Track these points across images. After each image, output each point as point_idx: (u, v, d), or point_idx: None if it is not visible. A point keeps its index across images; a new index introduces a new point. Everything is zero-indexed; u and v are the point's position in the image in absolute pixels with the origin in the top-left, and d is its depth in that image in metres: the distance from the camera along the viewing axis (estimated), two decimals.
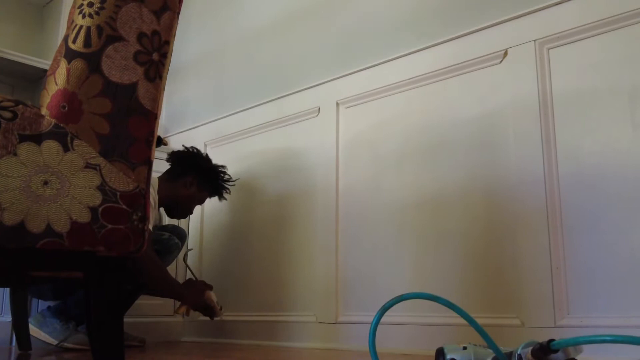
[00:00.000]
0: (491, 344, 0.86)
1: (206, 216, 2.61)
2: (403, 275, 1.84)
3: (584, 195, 1.52)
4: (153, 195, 1.93)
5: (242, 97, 2.58)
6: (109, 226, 0.89)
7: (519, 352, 0.81)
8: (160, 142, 2.56)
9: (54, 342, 1.91)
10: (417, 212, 1.85)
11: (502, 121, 1.71)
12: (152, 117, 0.96)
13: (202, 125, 2.73)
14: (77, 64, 0.91)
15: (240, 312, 2.33)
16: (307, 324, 2.07)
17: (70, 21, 0.95)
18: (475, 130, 1.76)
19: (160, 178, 2.10)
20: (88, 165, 0.89)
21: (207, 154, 2.28)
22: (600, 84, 1.54)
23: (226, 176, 2.27)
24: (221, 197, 2.28)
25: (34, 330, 1.93)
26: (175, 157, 2.20)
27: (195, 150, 2.23)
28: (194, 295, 2.02)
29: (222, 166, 2.27)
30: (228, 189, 2.28)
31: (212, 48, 2.86)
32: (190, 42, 2.95)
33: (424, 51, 1.92)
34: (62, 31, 2.89)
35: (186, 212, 2.22)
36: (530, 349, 0.80)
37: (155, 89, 0.96)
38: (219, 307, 2.07)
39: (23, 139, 0.87)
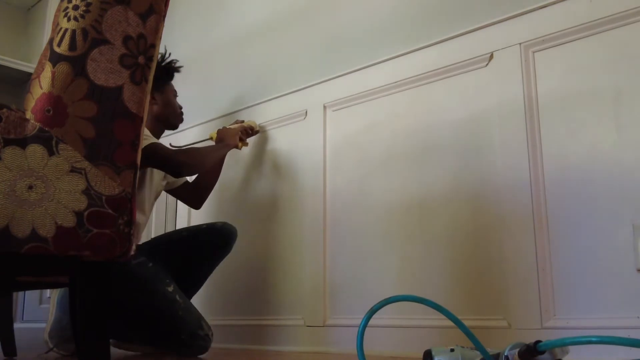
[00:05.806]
0: (478, 346, 0.86)
1: (192, 220, 2.60)
2: (391, 278, 1.85)
3: (569, 197, 1.53)
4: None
5: (229, 100, 2.58)
6: (95, 230, 0.89)
7: (506, 354, 0.81)
8: None
9: (48, 340, 1.87)
10: (404, 215, 1.86)
11: (488, 124, 1.71)
12: (137, 120, 0.95)
13: (190, 128, 2.72)
14: (62, 67, 0.90)
15: (227, 316, 2.32)
16: (295, 327, 2.06)
17: (55, 24, 0.95)
18: (461, 133, 1.77)
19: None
20: (73, 169, 0.89)
21: None
22: (585, 87, 1.55)
23: (167, 59, 2.11)
24: (171, 75, 2.16)
25: (53, 302, 1.90)
26: None
27: None
28: (230, 138, 2.21)
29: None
30: (175, 67, 2.15)
31: (199, 51, 2.85)
32: (176, 46, 2.94)
33: (410, 54, 1.93)
34: (47, 34, 2.87)
35: (176, 116, 2.17)
36: (517, 350, 0.80)
37: (141, 92, 0.96)
38: (254, 127, 2.35)
39: (7, 143, 0.86)
